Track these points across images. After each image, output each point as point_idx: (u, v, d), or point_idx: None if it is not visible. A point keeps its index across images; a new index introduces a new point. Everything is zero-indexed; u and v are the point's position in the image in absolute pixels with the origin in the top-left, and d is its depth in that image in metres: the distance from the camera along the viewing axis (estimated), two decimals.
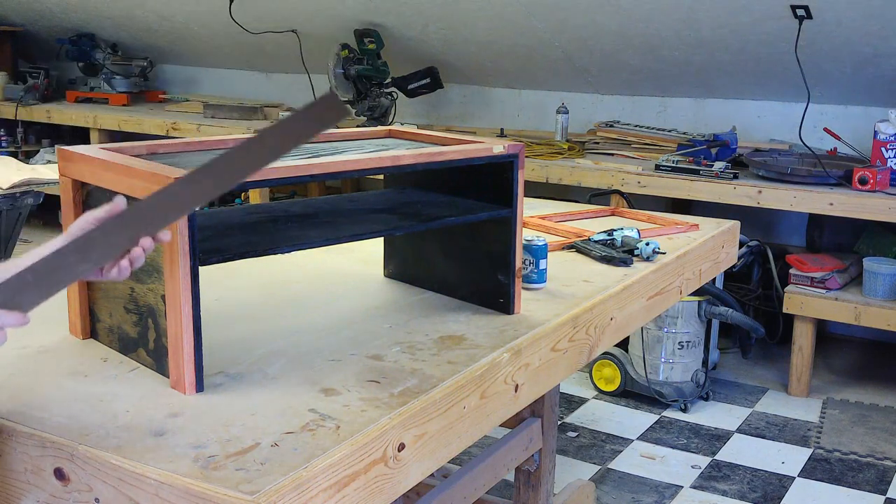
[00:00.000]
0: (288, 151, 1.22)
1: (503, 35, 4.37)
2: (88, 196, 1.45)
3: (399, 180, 1.93)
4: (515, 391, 1.54)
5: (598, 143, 4.30)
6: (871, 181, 3.42)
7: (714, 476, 2.99)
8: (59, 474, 1.16)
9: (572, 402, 3.54)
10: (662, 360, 3.47)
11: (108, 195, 1.39)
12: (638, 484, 2.93)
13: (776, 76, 3.99)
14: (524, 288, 1.79)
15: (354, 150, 1.65)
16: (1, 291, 1.07)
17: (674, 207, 4.09)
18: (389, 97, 4.52)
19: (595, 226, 2.42)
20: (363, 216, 1.66)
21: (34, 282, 1.08)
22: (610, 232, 2.22)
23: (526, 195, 1.82)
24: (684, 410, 3.47)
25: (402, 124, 4.21)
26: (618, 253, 2.08)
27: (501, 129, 4.53)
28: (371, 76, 4.46)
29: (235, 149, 1.19)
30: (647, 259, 2.09)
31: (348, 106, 1.24)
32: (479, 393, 1.43)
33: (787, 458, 3.11)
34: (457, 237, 1.78)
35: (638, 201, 3.72)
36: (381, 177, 2.01)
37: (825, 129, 3.91)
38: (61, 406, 1.27)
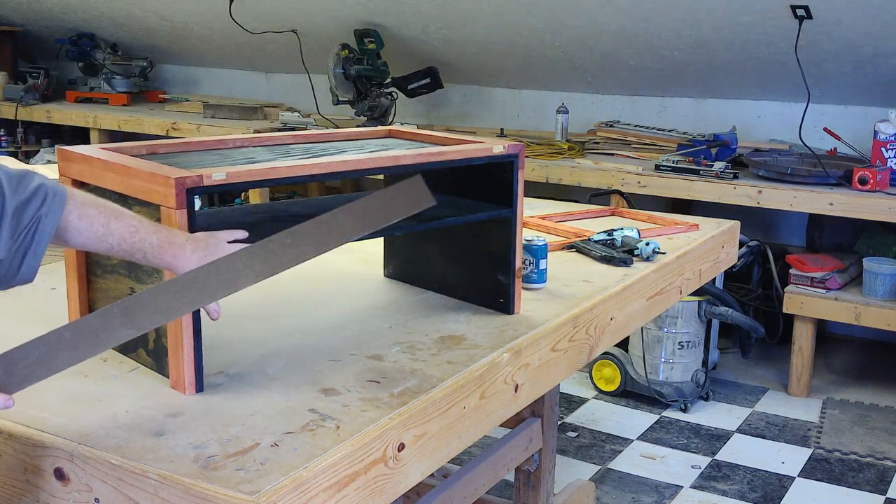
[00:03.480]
0: (362, 234, 1.15)
1: (503, 35, 4.37)
2: None
3: (399, 180, 1.92)
4: (515, 391, 1.54)
5: (598, 143, 4.29)
6: (871, 181, 3.41)
7: (714, 476, 2.99)
8: (59, 474, 1.16)
9: (572, 402, 3.54)
10: (662, 360, 3.47)
11: (108, 195, 1.40)
12: (638, 484, 2.93)
13: (776, 76, 3.99)
14: (524, 288, 1.79)
15: (354, 150, 1.65)
16: None
17: (674, 207, 4.09)
18: (389, 97, 4.52)
19: (595, 226, 2.42)
20: None
21: (31, 362, 1.06)
22: (610, 232, 2.22)
23: (526, 195, 1.82)
24: (684, 410, 3.47)
25: (402, 124, 4.20)
26: (618, 253, 2.08)
27: (501, 129, 4.53)
28: (371, 76, 4.46)
29: (303, 227, 1.12)
30: (647, 259, 2.09)
31: (431, 194, 1.15)
32: (479, 393, 1.43)
33: (787, 458, 3.11)
34: (457, 237, 1.78)
35: (638, 201, 3.72)
36: (382, 177, 2.01)
37: (825, 129, 3.91)
38: (61, 406, 1.27)
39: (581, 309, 1.75)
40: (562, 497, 2.50)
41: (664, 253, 2.14)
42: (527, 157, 3.86)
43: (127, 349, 1.45)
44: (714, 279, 3.25)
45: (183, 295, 1.11)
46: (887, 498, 2.85)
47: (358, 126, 4.22)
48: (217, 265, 1.11)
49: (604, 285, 1.90)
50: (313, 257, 1.14)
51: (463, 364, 1.45)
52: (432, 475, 2.08)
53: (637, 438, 3.25)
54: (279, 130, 4.59)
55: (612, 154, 4.18)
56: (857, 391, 3.70)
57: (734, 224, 2.54)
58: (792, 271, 3.64)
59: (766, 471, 3.02)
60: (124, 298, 1.10)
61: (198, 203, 1.36)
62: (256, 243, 1.13)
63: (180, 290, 1.11)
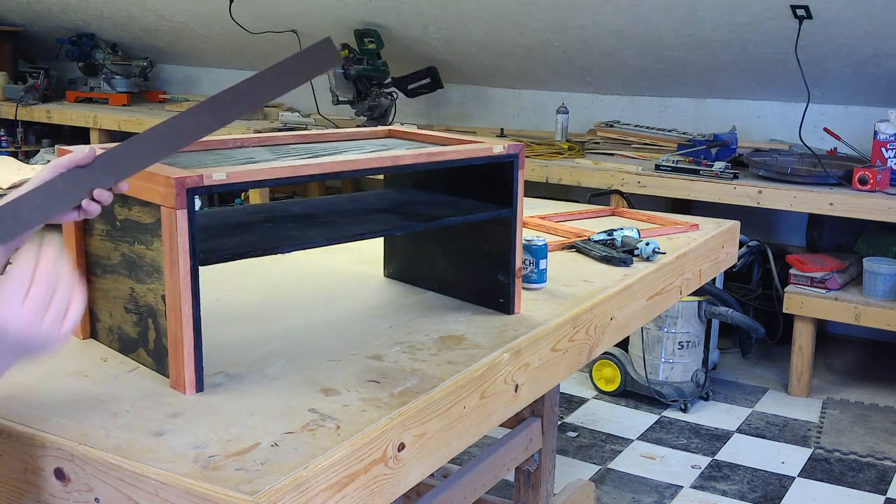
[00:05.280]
0: (284, 92, 1.29)
1: (503, 35, 4.37)
2: None
3: (399, 180, 1.92)
4: (515, 391, 1.54)
5: (598, 143, 4.30)
6: (871, 181, 3.42)
7: (714, 476, 2.99)
8: (59, 474, 1.16)
9: (572, 402, 3.54)
10: (662, 360, 3.47)
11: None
12: (638, 484, 2.93)
13: (776, 76, 4.00)
14: (524, 288, 1.79)
15: (354, 150, 1.65)
16: None
17: (674, 207, 4.09)
18: (389, 97, 4.52)
19: (595, 226, 2.42)
20: (363, 216, 1.66)
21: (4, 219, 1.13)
22: (610, 232, 2.22)
23: (526, 195, 1.82)
24: (684, 410, 3.47)
25: (402, 124, 4.20)
26: (618, 253, 2.08)
27: (501, 129, 4.53)
28: (371, 76, 4.46)
29: (237, 87, 1.25)
30: (647, 259, 2.09)
31: (339, 55, 1.41)
32: (479, 393, 1.43)
33: (787, 458, 3.11)
34: (457, 237, 1.78)
35: (638, 201, 3.72)
36: (381, 177, 2.01)
37: (825, 129, 3.91)
38: (61, 406, 1.27)
39: (581, 309, 1.75)
40: (562, 497, 2.50)
41: (664, 253, 2.14)
42: (527, 157, 3.87)
43: (127, 349, 1.45)
44: (714, 279, 3.25)
45: (152, 147, 1.21)
46: (887, 498, 2.85)
47: (358, 126, 4.22)
48: (176, 121, 1.23)
49: (604, 285, 1.90)
50: (250, 111, 1.35)
51: (463, 364, 1.45)
52: (432, 475, 2.08)
53: (637, 438, 3.25)
54: (279, 130, 4.59)
55: (612, 154, 4.19)
56: (857, 391, 3.70)
57: (734, 224, 2.54)
58: (792, 271, 3.64)
59: (766, 471, 3.02)
60: (102, 153, 1.19)
61: (198, 203, 1.36)
62: (202, 102, 1.25)
63: (150, 141, 1.21)
